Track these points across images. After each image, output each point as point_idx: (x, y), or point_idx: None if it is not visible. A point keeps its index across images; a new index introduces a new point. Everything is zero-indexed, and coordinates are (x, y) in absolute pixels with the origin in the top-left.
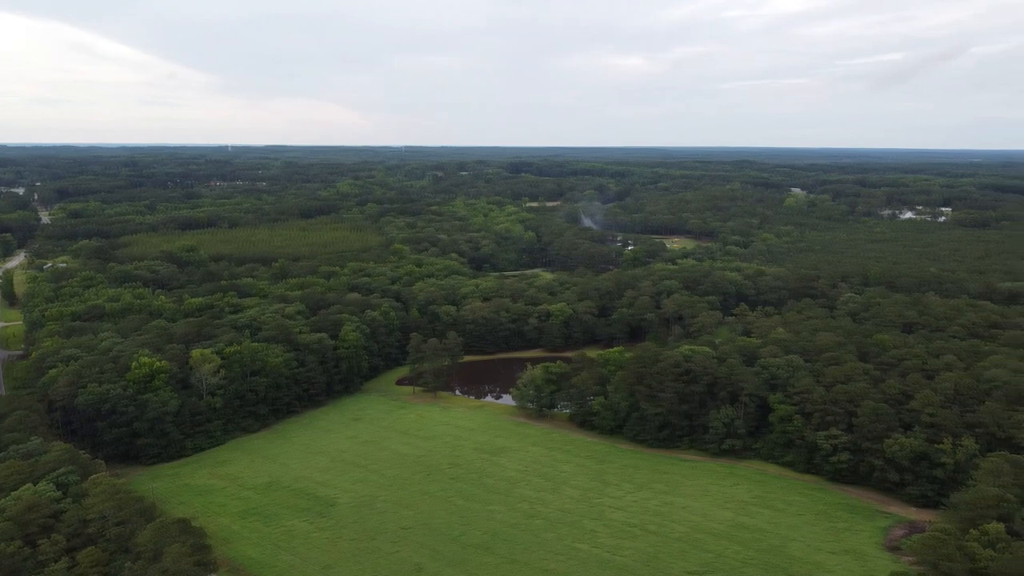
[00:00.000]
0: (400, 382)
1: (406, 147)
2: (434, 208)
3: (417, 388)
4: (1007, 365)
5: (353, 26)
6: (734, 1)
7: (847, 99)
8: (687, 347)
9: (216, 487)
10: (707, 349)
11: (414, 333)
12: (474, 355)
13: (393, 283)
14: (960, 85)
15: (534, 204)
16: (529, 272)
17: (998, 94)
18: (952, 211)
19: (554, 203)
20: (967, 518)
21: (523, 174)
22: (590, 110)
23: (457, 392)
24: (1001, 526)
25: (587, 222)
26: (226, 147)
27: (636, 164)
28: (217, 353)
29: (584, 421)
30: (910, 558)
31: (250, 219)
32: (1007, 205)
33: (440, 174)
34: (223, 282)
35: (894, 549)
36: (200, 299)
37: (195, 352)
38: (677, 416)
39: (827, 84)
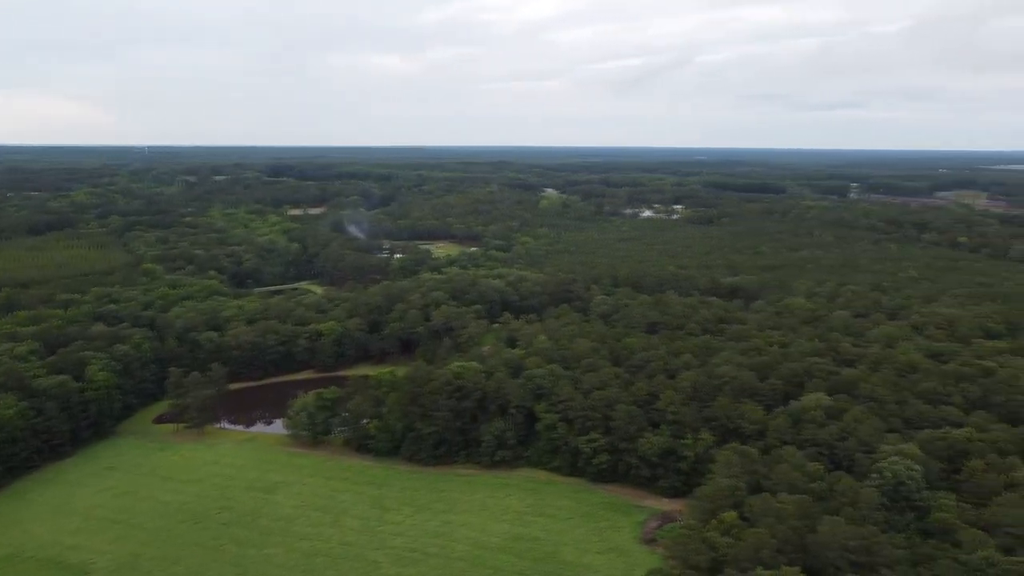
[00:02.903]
0: (160, 419)
1: (151, 147)
2: (188, 219)
3: (179, 425)
4: (733, 361)
5: (84, 12)
6: (488, 5)
7: (592, 101)
8: (457, 364)
9: None
10: (476, 364)
11: (173, 367)
12: (241, 382)
13: (146, 309)
14: (687, 89)
15: (297, 211)
16: (296, 286)
17: (719, 98)
18: (683, 208)
19: (318, 209)
20: (708, 510)
21: (284, 177)
22: (353, 109)
23: (225, 425)
24: (735, 514)
25: (353, 230)
26: None
27: (400, 166)
28: None
29: (361, 445)
30: (664, 550)
31: None
32: (725, 203)
33: (193, 179)
34: None
35: (650, 541)
36: None
37: None
38: (452, 432)
39: (575, 86)
